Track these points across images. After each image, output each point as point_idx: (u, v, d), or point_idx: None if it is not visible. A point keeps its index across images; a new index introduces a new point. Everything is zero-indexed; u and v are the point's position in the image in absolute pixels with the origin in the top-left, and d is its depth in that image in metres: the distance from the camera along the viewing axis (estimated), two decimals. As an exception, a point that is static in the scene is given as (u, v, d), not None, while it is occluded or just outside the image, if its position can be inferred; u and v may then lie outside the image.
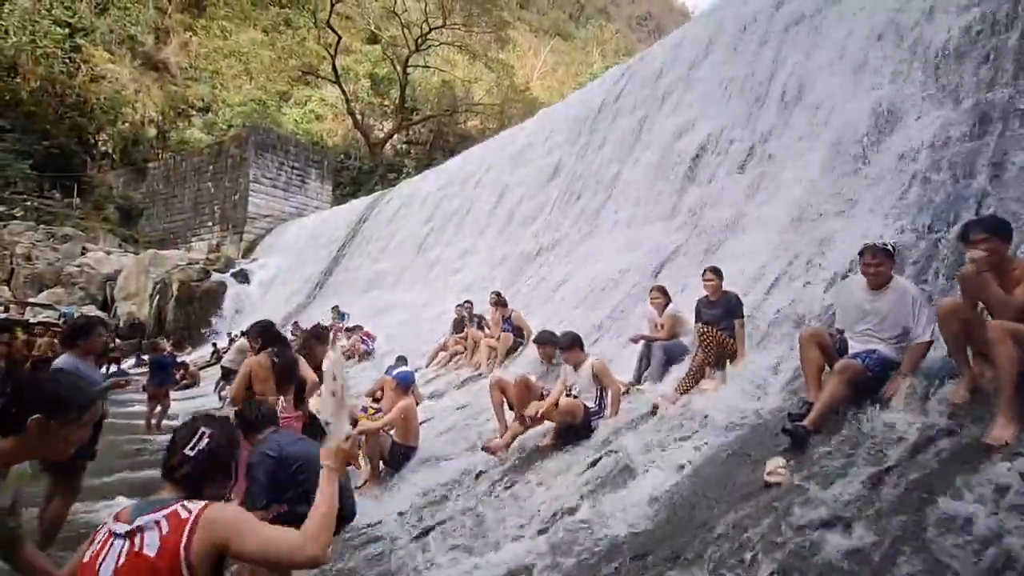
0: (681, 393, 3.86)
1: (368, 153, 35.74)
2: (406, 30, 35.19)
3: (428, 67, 38.68)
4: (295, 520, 1.46)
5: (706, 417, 3.40)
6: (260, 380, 3.28)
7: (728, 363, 3.97)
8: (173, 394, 12.06)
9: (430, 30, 34.70)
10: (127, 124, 35.12)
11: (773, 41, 8.18)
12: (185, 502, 1.29)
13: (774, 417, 3.16)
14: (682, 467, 2.89)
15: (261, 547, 1.25)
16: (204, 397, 11.34)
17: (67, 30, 31.80)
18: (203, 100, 38.27)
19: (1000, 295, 2.42)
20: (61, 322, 19.65)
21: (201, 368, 14.29)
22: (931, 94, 5.46)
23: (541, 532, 2.70)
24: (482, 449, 3.93)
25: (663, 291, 4.76)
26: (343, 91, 34.86)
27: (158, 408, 7.70)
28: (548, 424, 4.03)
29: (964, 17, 5.56)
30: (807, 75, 7.03)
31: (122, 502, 4.22)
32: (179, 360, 14.30)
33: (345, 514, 2.45)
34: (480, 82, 40.91)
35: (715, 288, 4.23)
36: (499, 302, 7.45)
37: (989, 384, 2.42)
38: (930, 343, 2.80)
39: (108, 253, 25.28)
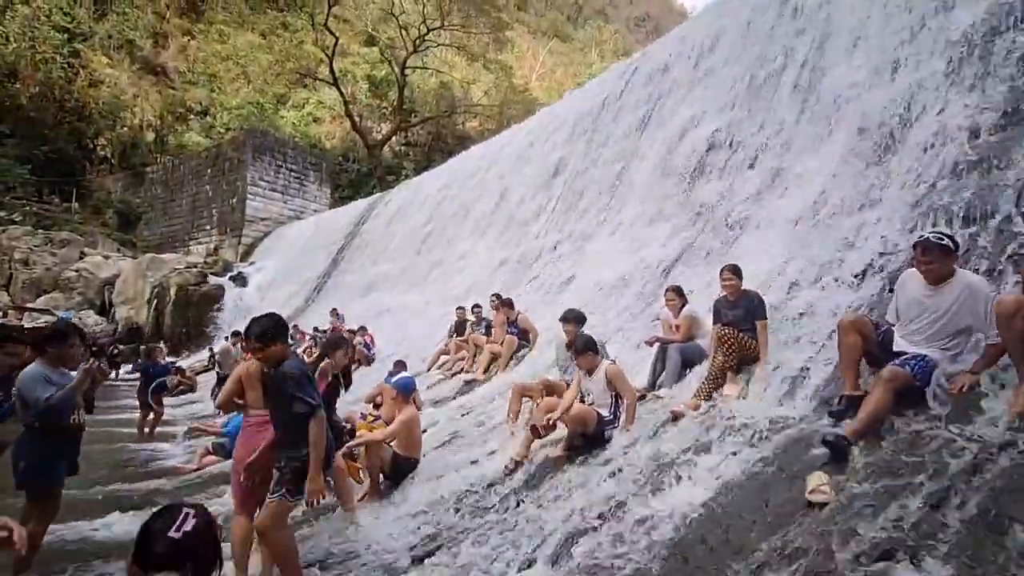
0: (701, 399, 3.60)
1: (367, 155, 35.53)
2: (404, 31, 35.02)
3: (426, 68, 38.52)
4: None
5: (731, 426, 3.15)
6: (250, 387, 3.05)
7: (750, 367, 3.72)
8: (170, 400, 11.88)
9: (428, 31, 34.53)
10: (126, 128, 34.99)
11: (783, 33, 7.94)
12: None
13: (808, 426, 2.90)
14: (710, 483, 2.63)
15: None
16: (201, 403, 11.09)
17: (66, 35, 31.69)
18: (201, 104, 38.12)
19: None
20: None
21: (198, 373, 14.04)
22: (955, 83, 5.22)
23: (555, 560, 2.45)
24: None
25: (679, 291, 4.50)
26: (341, 93, 34.66)
27: (151, 415, 7.45)
28: (559, 432, 3.79)
29: (987, 1, 5.32)
30: (820, 66, 6.79)
31: (115, 520, 3.97)
32: (176, 365, 14.10)
33: None
34: (479, 83, 40.75)
35: (735, 287, 3.97)
36: (505, 303, 7.19)
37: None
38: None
39: (106, 257, 25.05)
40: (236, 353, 9.46)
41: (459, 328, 8.60)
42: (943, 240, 2.69)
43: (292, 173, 29.88)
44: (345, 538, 3.14)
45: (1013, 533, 1.72)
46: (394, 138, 37.57)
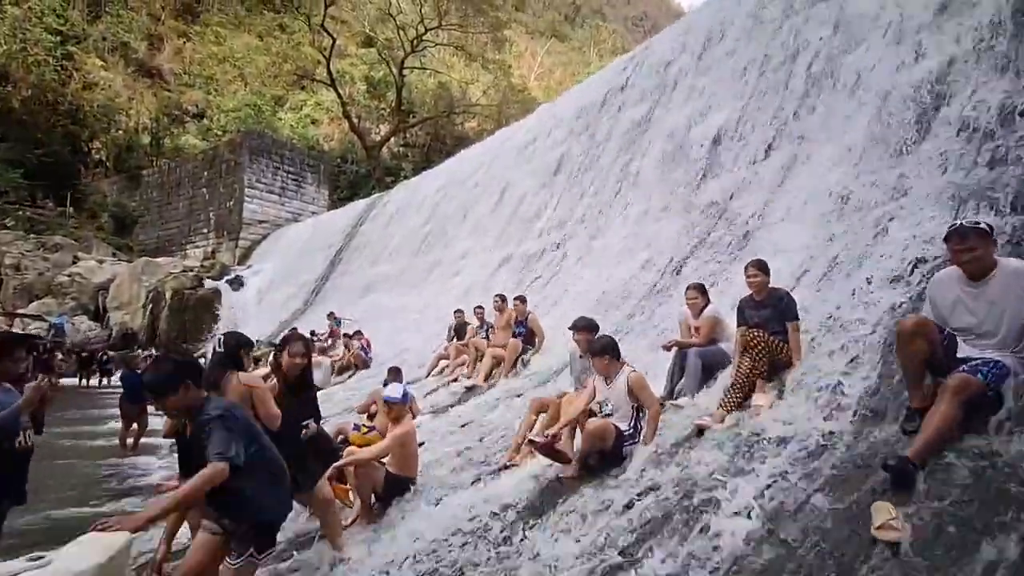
0: (728, 411, 3.23)
1: (365, 156, 35.21)
2: (401, 32, 34.73)
3: (424, 69, 38.23)
4: None
5: (767, 443, 2.78)
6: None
7: (781, 374, 3.35)
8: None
9: (426, 31, 34.23)
10: (121, 131, 34.70)
11: (794, 19, 7.59)
12: None
13: (859, 443, 2.53)
14: (751, 512, 2.27)
15: None
16: (193, 411, 10.70)
17: (59, 38, 31.37)
18: (197, 106, 37.86)
19: None
20: (49, 334, 19.09)
21: (192, 380, 13.62)
22: (986, 65, 4.86)
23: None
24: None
25: (701, 289, 4.11)
26: (339, 95, 34.37)
27: (134, 427, 7.08)
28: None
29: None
30: (836, 51, 6.43)
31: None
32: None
33: None
34: (477, 83, 40.44)
35: (761, 285, 3.60)
36: (518, 299, 6.80)
37: None
38: None
39: (100, 262, 24.69)
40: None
41: (459, 331, 8.23)
42: (979, 224, 2.36)
43: (290, 175, 29.54)
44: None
45: None
46: (392, 139, 37.27)
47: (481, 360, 6.79)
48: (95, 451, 7.08)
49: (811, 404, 3.01)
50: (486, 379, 6.40)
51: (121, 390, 7.24)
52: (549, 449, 3.35)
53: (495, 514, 2.91)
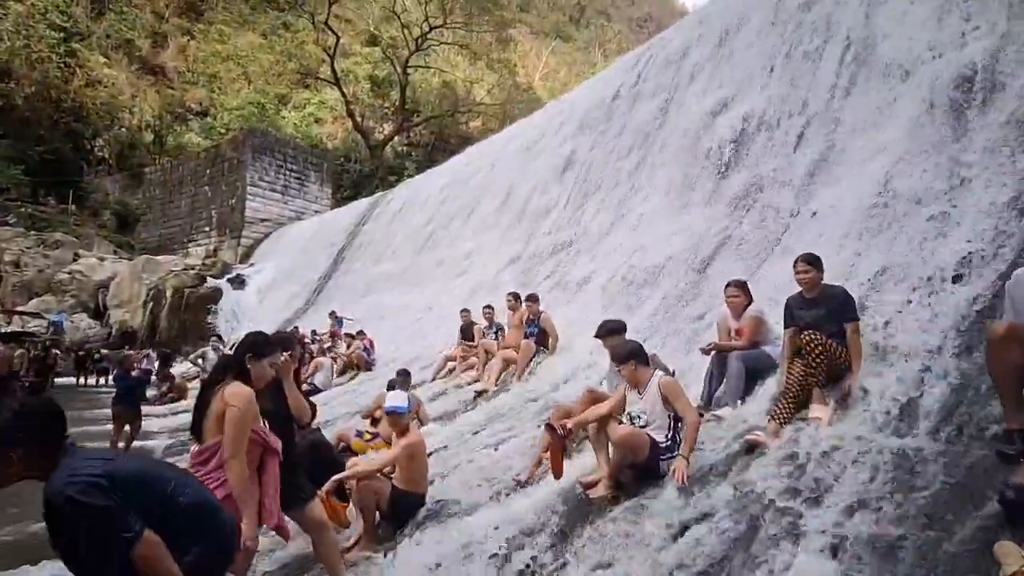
0: (781, 423, 2.84)
1: (368, 156, 34.96)
2: (406, 30, 34.49)
3: (429, 67, 37.96)
4: None
5: (835, 462, 2.39)
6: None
7: (840, 381, 2.96)
8: (158, 408, 11.16)
9: (430, 29, 33.98)
10: (124, 129, 34.54)
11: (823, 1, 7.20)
12: None
13: (948, 465, 2.15)
14: (834, 549, 1.88)
15: None
16: (189, 413, 10.36)
17: (62, 35, 31.20)
18: (201, 104, 37.69)
19: None
20: (48, 332, 18.79)
21: (190, 380, 13.31)
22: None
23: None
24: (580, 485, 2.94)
25: (743, 287, 3.70)
26: (343, 93, 34.14)
27: (126, 428, 6.72)
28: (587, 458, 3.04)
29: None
30: (874, 32, 6.03)
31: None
32: (166, 371, 13.39)
33: None
34: (482, 83, 40.16)
35: (813, 282, 3.21)
36: (530, 297, 6.42)
37: None
38: None
39: (101, 259, 24.45)
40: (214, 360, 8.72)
41: (465, 332, 7.86)
42: None
43: (293, 173, 29.25)
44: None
45: None
46: (396, 138, 37.02)
47: (490, 362, 6.40)
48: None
49: (879, 417, 2.62)
50: (497, 382, 6.02)
51: (114, 393, 6.89)
52: (557, 442, 2.99)
53: (515, 541, 2.53)
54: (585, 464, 3.54)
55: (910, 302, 3.48)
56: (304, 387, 5.84)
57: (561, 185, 11.20)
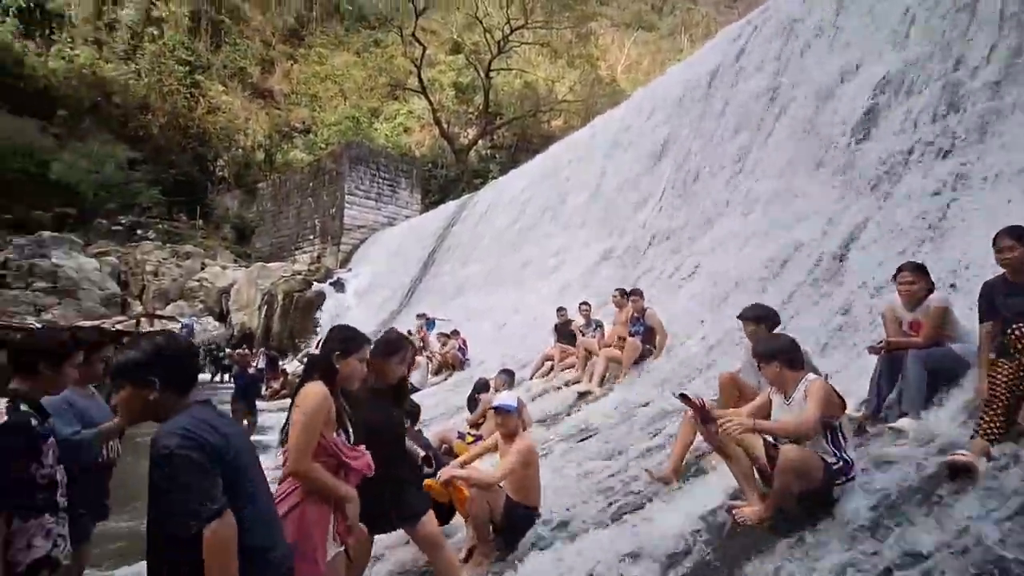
0: (991, 439, 2.24)
1: (454, 160, 35.84)
2: (488, 35, 34.93)
3: (510, 70, 38.19)
4: None
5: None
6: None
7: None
8: (270, 404, 11.98)
9: (512, 31, 34.14)
10: (240, 150, 38.21)
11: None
12: None
13: None
14: None
15: None
16: (299, 408, 10.97)
17: (187, 68, 35.15)
18: (303, 122, 40.75)
19: None
20: (183, 332, 21.08)
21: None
22: None
23: None
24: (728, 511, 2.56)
25: (921, 271, 3.03)
26: (429, 101, 35.28)
27: (244, 423, 7.16)
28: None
29: None
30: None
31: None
32: (283, 368, 14.42)
33: None
34: (563, 80, 39.76)
35: (1017, 262, 2.54)
36: (634, 292, 6.01)
37: None
38: None
39: (223, 268, 27.10)
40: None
41: (561, 330, 7.55)
42: None
43: (385, 181, 30.69)
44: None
45: None
46: (480, 142, 37.63)
47: (592, 361, 6.04)
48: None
49: None
50: (600, 383, 5.65)
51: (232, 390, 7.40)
52: (701, 413, 2.59)
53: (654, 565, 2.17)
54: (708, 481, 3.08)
55: None
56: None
57: (655, 174, 10.57)
